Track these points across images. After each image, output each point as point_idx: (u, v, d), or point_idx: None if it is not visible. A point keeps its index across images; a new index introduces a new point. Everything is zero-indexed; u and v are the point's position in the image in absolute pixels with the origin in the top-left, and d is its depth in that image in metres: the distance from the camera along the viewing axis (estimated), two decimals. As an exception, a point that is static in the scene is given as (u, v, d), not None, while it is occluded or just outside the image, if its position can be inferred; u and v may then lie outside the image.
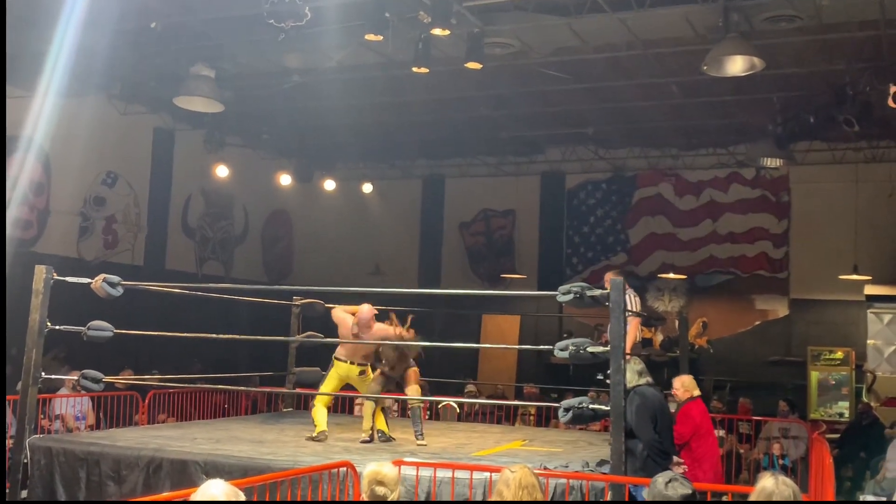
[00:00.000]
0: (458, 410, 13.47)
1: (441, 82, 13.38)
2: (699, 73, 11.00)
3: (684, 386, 8.75)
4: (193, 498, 3.42)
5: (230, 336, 9.81)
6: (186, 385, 11.54)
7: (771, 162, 14.56)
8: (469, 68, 11.45)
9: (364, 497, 4.96)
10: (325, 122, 16.04)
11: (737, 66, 10.44)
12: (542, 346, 8.73)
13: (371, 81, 13.64)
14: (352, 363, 9.33)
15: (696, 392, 8.78)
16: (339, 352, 9.44)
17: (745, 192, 17.85)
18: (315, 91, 14.01)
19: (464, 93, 14.27)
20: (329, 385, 9.47)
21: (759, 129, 14.50)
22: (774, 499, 4.38)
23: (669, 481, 3.67)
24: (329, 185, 19.21)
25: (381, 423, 9.08)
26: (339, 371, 9.39)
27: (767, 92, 13.51)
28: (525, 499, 4.63)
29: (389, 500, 4.92)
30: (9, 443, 9.43)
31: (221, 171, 16.96)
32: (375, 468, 4.99)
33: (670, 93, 13.85)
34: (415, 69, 11.59)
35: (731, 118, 15.51)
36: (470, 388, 14.93)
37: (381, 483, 4.90)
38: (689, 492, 3.63)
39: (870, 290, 16.12)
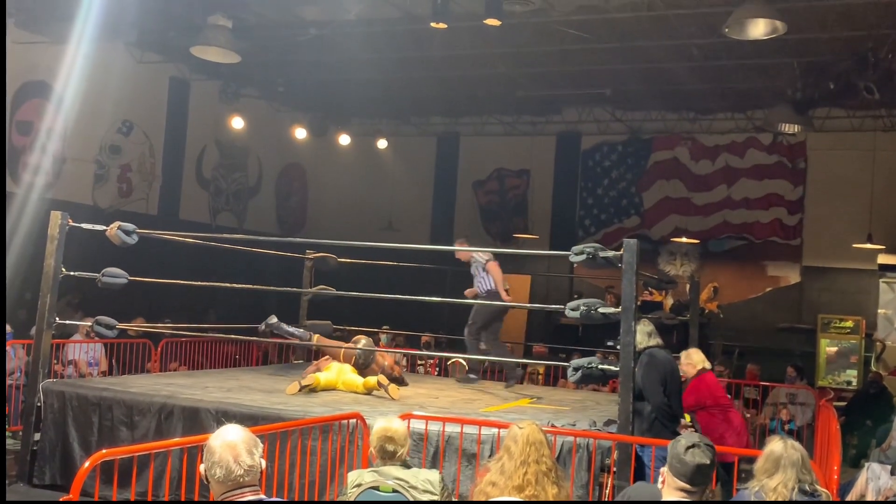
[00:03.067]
0: (466, 367, 13.54)
1: (459, 38, 13.28)
2: (720, 35, 10.89)
3: (690, 361, 8.55)
4: (211, 441, 3.41)
5: (242, 286, 9.85)
6: (199, 334, 11.62)
7: (789, 128, 14.44)
8: (488, 25, 11.34)
9: (373, 452, 5.01)
10: (341, 76, 15.96)
11: (759, 29, 10.32)
12: (553, 306, 8.74)
13: (388, 36, 13.55)
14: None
15: (706, 366, 8.66)
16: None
17: (762, 157, 17.75)
18: (332, 44, 13.93)
19: (482, 50, 14.15)
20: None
21: (779, 95, 14.38)
22: (783, 462, 4.42)
23: (692, 446, 3.62)
24: (344, 139, 19.18)
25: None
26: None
27: (788, 57, 13.36)
28: (532, 455, 4.66)
29: (399, 455, 4.97)
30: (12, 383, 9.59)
31: (237, 123, 16.95)
32: (385, 424, 5.03)
33: (690, 55, 13.71)
34: (433, 24, 11.51)
35: (751, 83, 15.37)
36: (480, 345, 14.95)
37: (390, 439, 4.95)
38: (707, 462, 3.61)
39: (883, 259, 16.08)
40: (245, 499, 3.29)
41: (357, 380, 9.01)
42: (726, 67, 14.54)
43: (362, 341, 9.67)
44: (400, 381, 9.50)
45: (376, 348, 9.61)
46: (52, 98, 13.76)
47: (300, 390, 8.63)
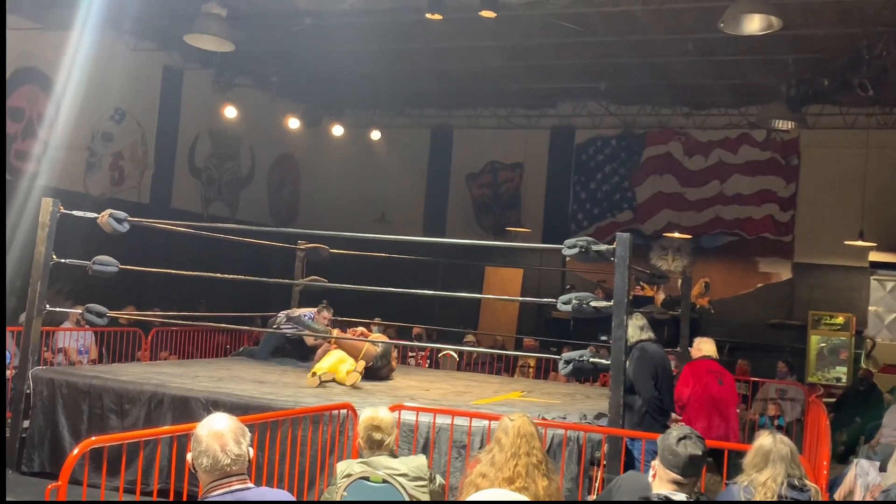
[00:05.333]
0: (457, 359, 13.57)
1: (454, 30, 13.25)
2: (715, 30, 10.87)
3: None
4: (198, 430, 3.38)
5: (234, 276, 9.83)
6: (189, 323, 11.59)
7: (782, 124, 14.43)
8: (483, 17, 11.32)
9: (361, 442, 5.01)
10: (335, 66, 15.91)
11: (754, 24, 10.29)
12: (545, 300, 8.75)
13: (383, 27, 13.50)
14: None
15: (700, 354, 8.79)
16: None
17: (755, 153, 17.77)
18: (326, 34, 13.87)
19: (477, 42, 14.12)
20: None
21: (772, 91, 14.38)
22: (772, 457, 4.42)
23: (683, 438, 3.63)
24: (337, 130, 19.12)
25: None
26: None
27: (783, 53, 13.37)
28: (523, 447, 4.65)
29: (386, 443, 4.97)
30: (10, 373, 9.55)
31: (229, 112, 16.88)
32: (371, 413, 5.04)
33: (685, 50, 13.71)
34: (428, 15, 11.48)
35: (745, 79, 15.37)
36: (469, 338, 15.01)
37: (377, 428, 4.96)
38: (699, 453, 3.62)
39: (874, 256, 16.10)
40: (232, 488, 3.26)
41: (343, 370, 9.02)
42: (721, 63, 14.54)
43: (381, 342, 9.69)
44: (379, 373, 9.51)
45: (376, 339, 9.59)
46: (44, 85, 13.69)
47: (319, 384, 8.67)
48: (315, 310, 10.62)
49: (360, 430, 5.05)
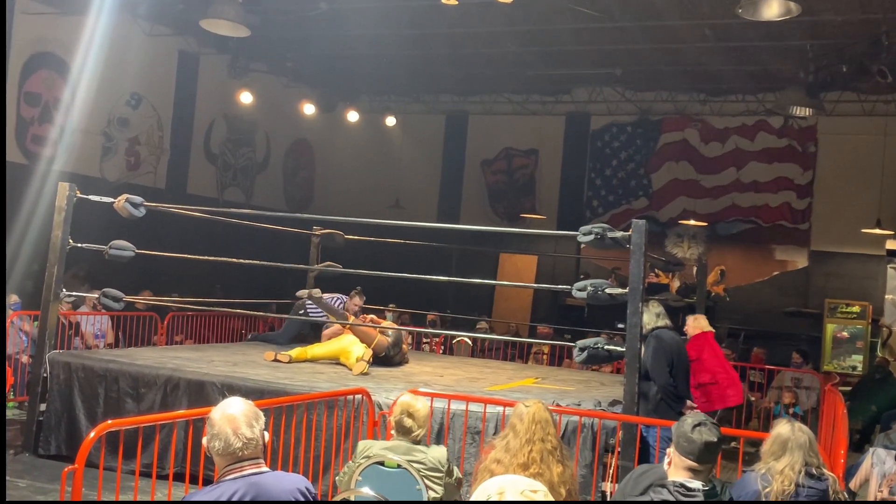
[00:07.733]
0: (471, 346, 13.57)
1: (470, 16, 13.20)
2: (733, 16, 10.79)
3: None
4: (212, 413, 3.37)
5: (249, 262, 9.84)
6: (205, 308, 11.61)
7: (800, 111, 14.33)
8: (500, 2, 11.28)
9: (392, 420, 5.04)
10: (350, 51, 15.88)
11: (772, 10, 10.19)
12: (560, 286, 8.72)
13: (399, 12, 13.46)
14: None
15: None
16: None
17: (772, 141, 17.66)
18: (342, 20, 13.85)
19: (493, 27, 14.07)
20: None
21: (790, 77, 14.28)
22: (790, 444, 4.41)
23: (698, 425, 3.62)
24: (352, 116, 19.10)
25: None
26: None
27: (801, 39, 13.26)
28: (538, 433, 4.66)
29: (414, 434, 4.97)
30: (26, 359, 9.62)
31: (245, 98, 16.87)
32: (409, 400, 5.08)
33: (702, 36, 13.61)
34: (444, 1, 11.43)
35: (763, 65, 15.27)
36: (481, 324, 15.01)
37: (410, 416, 4.97)
38: (715, 440, 3.61)
39: (891, 245, 15.98)
40: (244, 472, 3.23)
41: (353, 356, 9.04)
42: (738, 49, 14.44)
43: (391, 328, 9.76)
44: (392, 360, 9.54)
45: (386, 326, 9.61)
46: (61, 69, 13.72)
47: (273, 360, 8.92)
48: (347, 296, 10.63)
49: (395, 410, 5.08)
